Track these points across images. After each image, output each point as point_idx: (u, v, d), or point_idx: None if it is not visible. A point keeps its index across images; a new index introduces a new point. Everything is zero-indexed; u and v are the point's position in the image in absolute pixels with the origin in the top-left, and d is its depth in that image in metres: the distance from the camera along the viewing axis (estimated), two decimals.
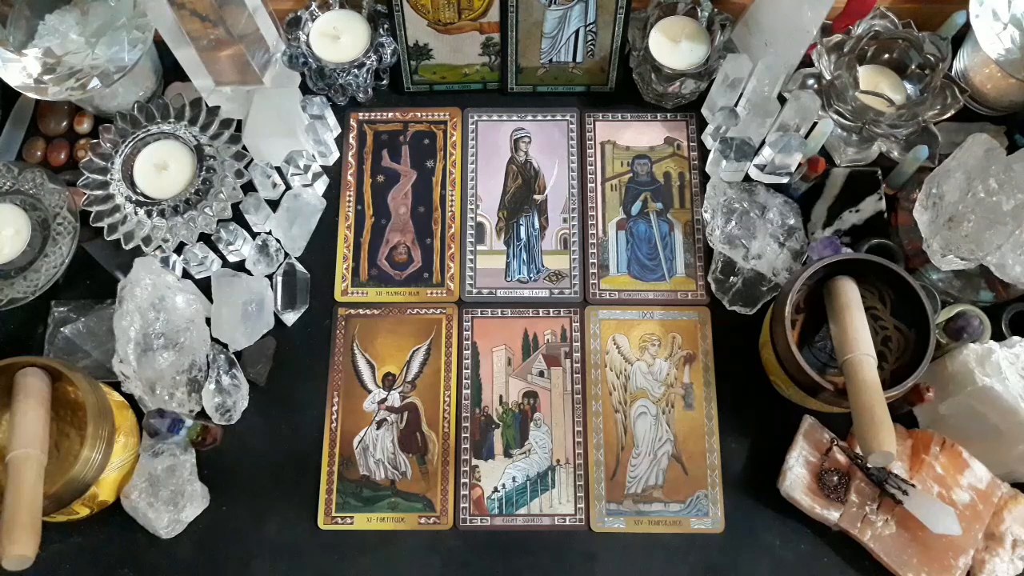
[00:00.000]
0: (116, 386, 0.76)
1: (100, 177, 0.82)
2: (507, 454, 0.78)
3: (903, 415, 0.77)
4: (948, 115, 0.81)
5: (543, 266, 0.85)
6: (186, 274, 0.82)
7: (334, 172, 0.89)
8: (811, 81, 0.84)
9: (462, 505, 0.77)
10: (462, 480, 0.77)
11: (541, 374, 0.81)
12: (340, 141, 0.90)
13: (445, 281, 0.84)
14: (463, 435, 0.79)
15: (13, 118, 0.91)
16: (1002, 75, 0.82)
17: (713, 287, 0.83)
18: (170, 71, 0.90)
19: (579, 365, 0.81)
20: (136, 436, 0.75)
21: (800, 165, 0.82)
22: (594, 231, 0.86)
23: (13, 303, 0.79)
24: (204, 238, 0.82)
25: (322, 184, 0.87)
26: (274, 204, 0.85)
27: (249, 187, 0.84)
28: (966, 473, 0.72)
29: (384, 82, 0.92)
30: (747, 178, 0.86)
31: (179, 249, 0.82)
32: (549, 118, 0.91)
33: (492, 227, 0.87)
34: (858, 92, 0.81)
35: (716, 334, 0.82)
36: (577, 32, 0.87)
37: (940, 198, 0.74)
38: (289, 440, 0.78)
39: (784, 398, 0.78)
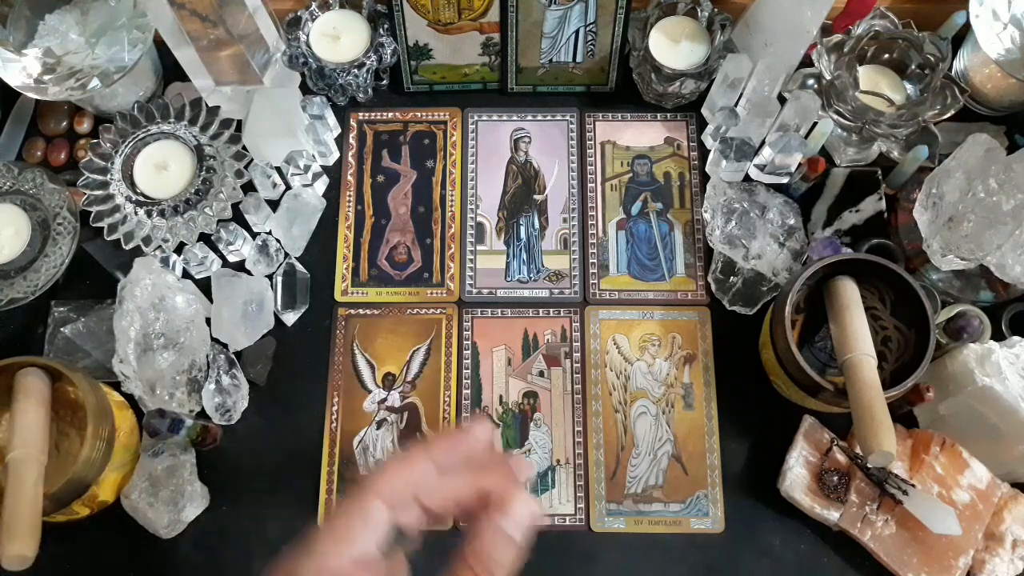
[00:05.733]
0: (116, 386, 0.76)
1: (100, 177, 0.82)
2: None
3: (903, 415, 0.77)
4: (948, 115, 0.81)
5: (543, 266, 0.85)
6: (186, 274, 0.82)
7: (334, 172, 0.89)
8: (811, 81, 0.84)
9: None
10: None
11: (541, 374, 0.81)
12: (340, 141, 0.90)
13: (445, 281, 0.84)
14: None
15: (13, 118, 0.91)
16: (1002, 75, 0.82)
17: (713, 287, 0.83)
18: (170, 71, 0.90)
19: (579, 365, 0.81)
20: (136, 436, 0.75)
21: (800, 165, 0.82)
22: (594, 231, 0.86)
23: (13, 303, 0.79)
24: (204, 238, 0.82)
25: (322, 184, 0.87)
26: (274, 204, 0.85)
27: (249, 187, 0.84)
28: (966, 473, 0.72)
29: (384, 82, 0.92)
30: (747, 178, 0.86)
31: (179, 249, 0.82)
32: (549, 118, 0.91)
33: (492, 227, 0.87)
34: (858, 92, 0.81)
35: (716, 334, 0.82)
36: (577, 32, 0.87)
37: (940, 198, 0.74)
38: (289, 440, 0.78)
39: (784, 398, 0.78)
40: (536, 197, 0.88)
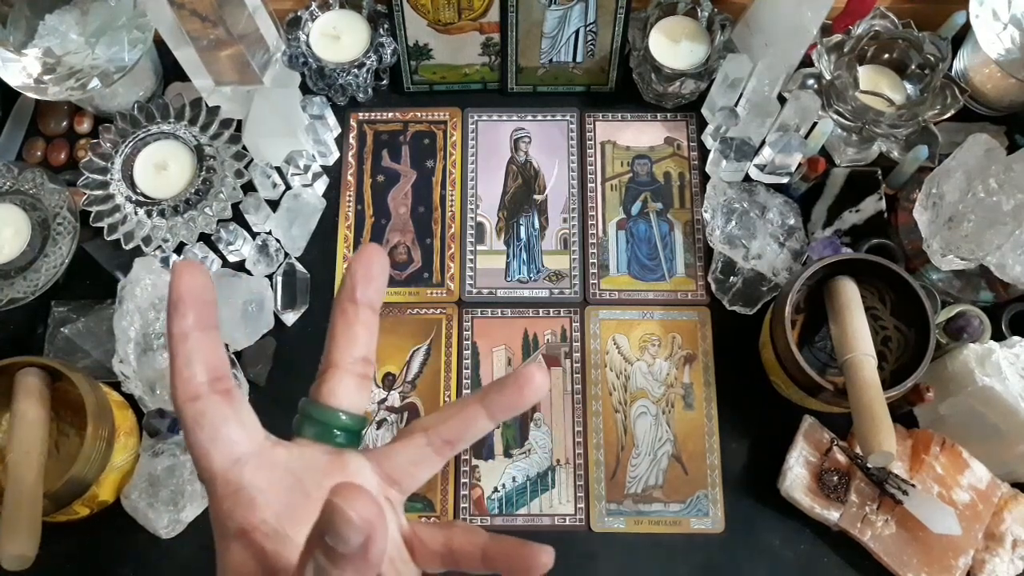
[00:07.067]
0: (116, 386, 0.76)
1: (100, 177, 0.82)
2: (507, 454, 0.78)
3: (903, 415, 0.77)
4: (948, 115, 0.81)
5: (543, 266, 0.85)
6: None
7: (334, 172, 0.89)
8: (811, 81, 0.83)
9: (462, 505, 0.77)
10: (462, 480, 0.77)
11: None
12: (340, 141, 0.90)
13: (445, 281, 0.84)
14: None
15: (13, 118, 0.91)
16: (1002, 75, 0.82)
17: (713, 287, 0.83)
18: (170, 71, 0.90)
19: (579, 365, 0.81)
20: (136, 436, 0.75)
21: (800, 165, 0.82)
22: (594, 231, 0.86)
23: (13, 303, 0.79)
24: (204, 238, 0.82)
25: (322, 184, 0.87)
26: (274, 204, 0.85)
27: (249, 187, 0.84)
28: (966, 473, 0.72)
29: (384, 82, 0.92)
30: (747, 178, 0.86)
31: (179, 249, 0.82)
32: (549, 118, 0.91)
33: (492, 227, 0.87)
34: (858, 92, 0.81)
35: (716, 334, 0.82)
36: (577, 32, 0.87)
37: (940, 198, 0.74)
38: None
39: (784, 398, 0.78)
40: (536, 197, 0.88)
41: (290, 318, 0.82)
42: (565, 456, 0.78)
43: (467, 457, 0.78)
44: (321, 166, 0.88)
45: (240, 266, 0.84)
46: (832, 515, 0.72)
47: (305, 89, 0.89)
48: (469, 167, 0.89)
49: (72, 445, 0.71)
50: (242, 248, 0.83)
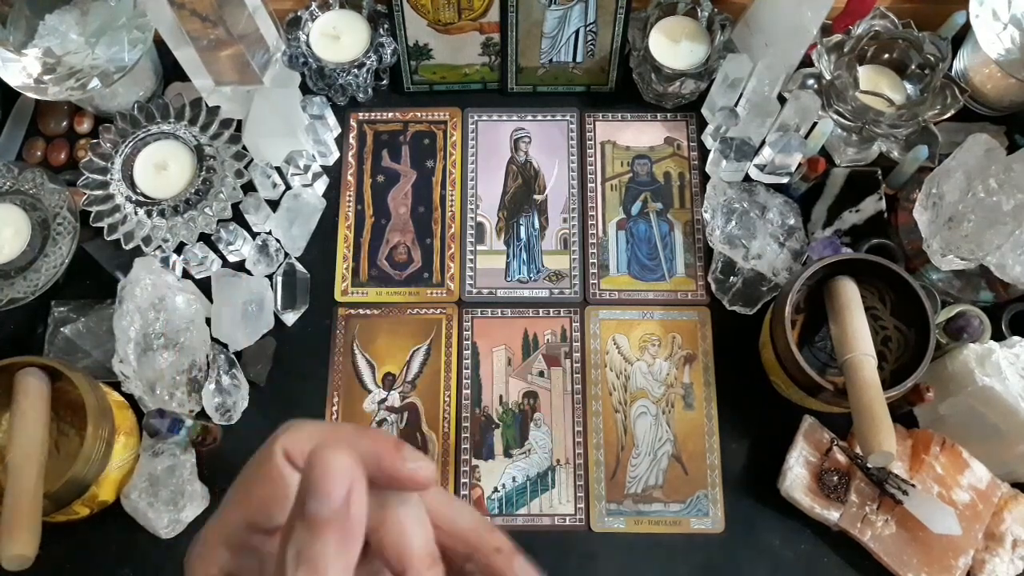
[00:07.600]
0: (116, 386, 0.76)
1: (100, 177, 0.82)
2: (507, 454, 0.78)
3: (903, 415, 0.77)
4: (948, 115, 0.81)
5: (543, 266, 0.85)
6: (186, 274, 0.82)
7: (334, 172, 0.89)
8: (811, 81, 0.84)
9: None
10: (462, 480, 0.77)
11: (541, 374, 0.81)
12: (340, 141, 0.90)
13: (445, 281, 0.84)
14: (463, 435, 0.79)
15: (13, 118, 0.91)
16: (1002, 75, 0.82)
17: (713, 287, 0.83)
18: (170, 71, 0.90)
19: (579, 365, 0.81)
20: (136, 436, 0.75)
21: (800, 165, 0.82)
22: (594, 231, 0.86)
23: (13, 303, 0.79)
24: (204, 238, 0.82)
25: (322, 184, 0.87)
26: (274, 204, 0.85)
27: (249, 187, 0.84)
28: (966, 473, 0.72)
29: (384, 82, 0.92)
30: (747, 178, 0.86)
31: (179, 249, 0.82)
32: (549, 118, 0.91)
33: (492, 227, 0.87)
34: (858, 92, 0.81)
35: (716, 334, 0.82)
36: (577, 32, 0.87)
37: (940, 198, 0.74)
38: None
39: (784, 398, 0.78)
40: (536, 197, 0.88)
41: (290, 318, 0.82)
42: (565, 456, 0.78)
43: (467, 457, 0.78)
44: (321, 166, 0.88)
45: (240, 266, 0.84)
46: (832, 515, 0.72)
47: (305, 89, 0.89)
48: (469, 167, 0.89)
49: (72, 445, 0.71)
50: (242, 248, 0.83)
